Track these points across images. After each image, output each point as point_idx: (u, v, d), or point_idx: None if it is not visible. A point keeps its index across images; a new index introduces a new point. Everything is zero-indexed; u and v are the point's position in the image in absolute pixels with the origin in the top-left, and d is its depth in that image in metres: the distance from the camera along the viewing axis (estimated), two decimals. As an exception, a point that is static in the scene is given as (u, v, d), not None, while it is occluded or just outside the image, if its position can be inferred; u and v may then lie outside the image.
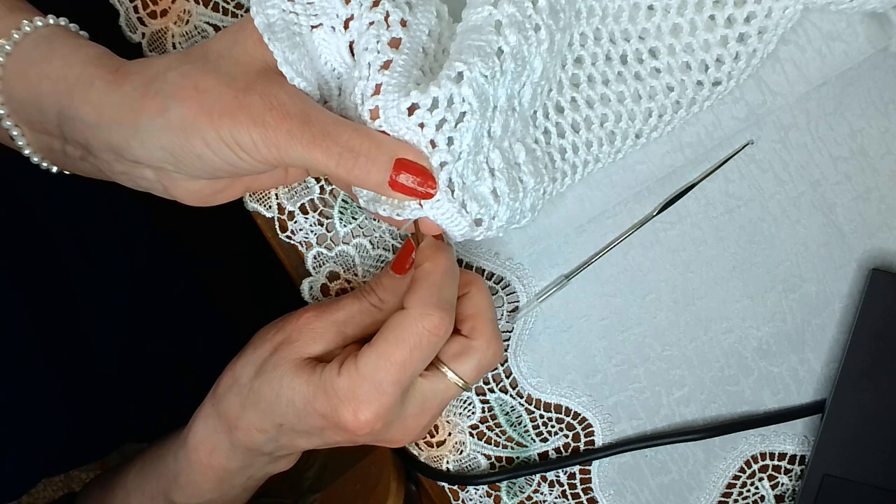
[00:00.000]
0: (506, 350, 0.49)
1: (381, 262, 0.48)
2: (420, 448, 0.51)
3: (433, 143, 0.36)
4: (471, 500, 0.51)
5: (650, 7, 0.42)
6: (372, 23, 0.37)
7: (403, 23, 0.37)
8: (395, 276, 0.42)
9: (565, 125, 0.42)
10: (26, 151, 0.41)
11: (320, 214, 0.48)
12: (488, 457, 0.51)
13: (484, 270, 0.48)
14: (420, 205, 0.37)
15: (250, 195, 0.48)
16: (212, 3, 0.47)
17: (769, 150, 0.46)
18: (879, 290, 0.46)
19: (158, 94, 0.36)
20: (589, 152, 0.43)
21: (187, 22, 0.47)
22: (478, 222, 0.38)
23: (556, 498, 0.51)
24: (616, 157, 0.44)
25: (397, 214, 0.38)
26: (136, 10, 0.47)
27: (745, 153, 0.46)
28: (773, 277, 0.48)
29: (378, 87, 0.36)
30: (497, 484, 0.51)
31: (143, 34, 0.47)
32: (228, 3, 0.46)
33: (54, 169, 0.42)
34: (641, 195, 0.47)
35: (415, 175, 0.36)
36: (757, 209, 0.47)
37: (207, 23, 0.47)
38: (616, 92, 0.42)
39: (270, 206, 0.48)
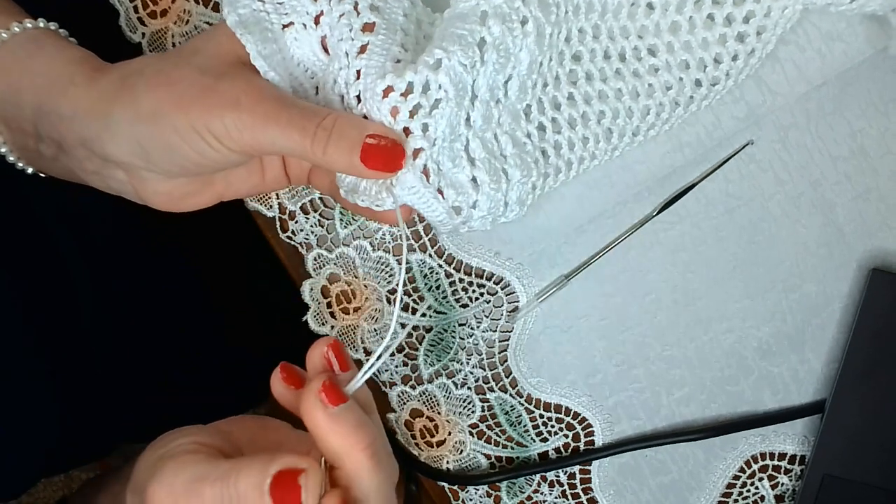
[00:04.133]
0: (505, 350, 0.49)
1: (382, 264, 0.48)
2: (420, 448, 0.51)
3: (407, 130, 0.36)
4: (471, 500, 0.51)
5: (649, 4, 0.42)
6: (342, 14, 0.37)
7: (374, 8, 0.37)
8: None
9: (562, 120, 0.42)
10: (2, 150, 0.41)
11: (321, 215, 0.48)
12: (488, 457, 0.51)
13: (484, 270, 0.48)
14: (392, 183, 0.37)
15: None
16: (212, 3, 0.47)
17: (769, 149, 0.46)
18: (879, 289, 0.46)
19: (132, 87, 0.37)
20: (585, 149, 0.43)
21: (187, 22, 0.47)
22: (457, 210, 0.38)
23: (556, 498, 0.51)
24: (613, 154, 0.44)
25: (377, 206, 0.38)
26: (136, 10, 0.47)
27: (744, 153, 0.46)
28: (773, 277, 0.48)
29: (358, 72, 0.37)
30: (497, 484, 0.51)
31: (144, 34, 0.47)
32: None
33: (29, 170, 0.42)
34: (641, 195, 0.47)
35: (384, 142, 0.36)
36: (757, 209, 0.47)
37: (207, 23, 0.47)
38: (614, 89, 0.42)
39: (272, 206, 0.48)
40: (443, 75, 0.36)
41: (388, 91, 0.36)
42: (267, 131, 0.35)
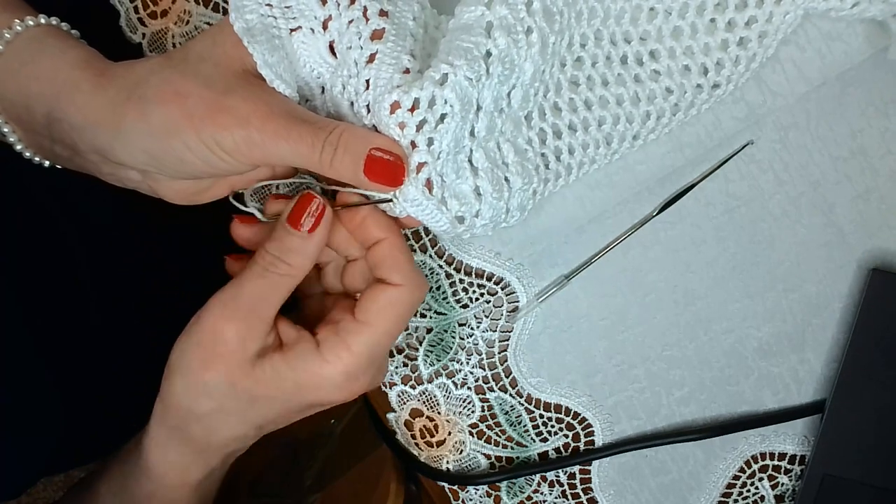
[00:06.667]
0: (505, 350, 0.49)
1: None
2: (420, 448, 0.51)
3: (413, 144, 0.36)
4: (471, 500, 0.51)
5: (652, 9, 0.42)
6: (351, 20, 0.37)
7: (383, 13, 0.37)
8: (299, 234, 0.39)
9: (562, 126, 0.42)
10: (18, 147, 0.42)
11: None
12: (488, 456, 0.51)
13: (484, 271, 0.48)
14: (396, 196, 0.38)
15: (252, 194, 0.48)
16: (212, 4, 0.47)
17: (769, 150, 0.46)
18: (879, 289, 0.46)
19: (141, 98, 0.37)
20: (585, 154, 0.43)
21: (187, 22, 0.47)
22: (460, 219, 0.39)
23: (556, 498, 0.51)
24: (612, 158, 0.44)
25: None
26: (136, 10, 0.47)
27: (745, 153, 0.46)
28: (773, 277, 0.48)
29: (367, 82, 0.37)
30: (497, 484, 0.51)
31: (144, 35, 0.47)
32: (228, 4, 0.46)
33: (46, 163, 0.43)
34: (641, 195, 0.47)
35: (387, 156, 0.36)
36: (757, 209, 0.47)
37: (207, 23, 0.47)
38: (615, 94, 0.42)
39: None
40: (448, 91, 0.36)
41: (395, 107, 0.36)
42: (277, 148, 0.36)
